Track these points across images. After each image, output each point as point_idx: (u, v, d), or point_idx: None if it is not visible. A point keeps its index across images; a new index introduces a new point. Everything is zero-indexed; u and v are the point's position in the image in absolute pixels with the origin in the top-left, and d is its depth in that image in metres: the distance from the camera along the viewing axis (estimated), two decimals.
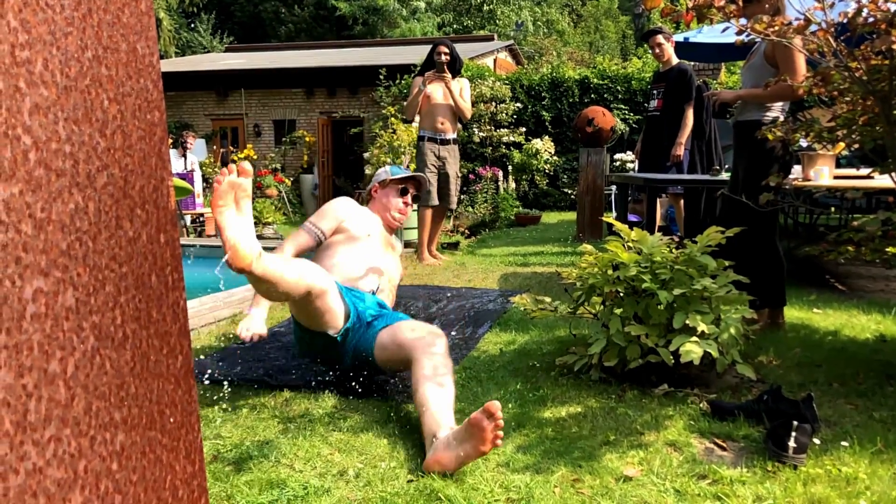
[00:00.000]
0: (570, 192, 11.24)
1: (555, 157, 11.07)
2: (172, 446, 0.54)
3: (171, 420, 0.53)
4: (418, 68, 10.45)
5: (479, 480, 1.91)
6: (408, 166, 7.58)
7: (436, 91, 5.83)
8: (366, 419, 2.35)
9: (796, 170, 5.02)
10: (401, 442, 2.16)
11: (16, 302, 0.40)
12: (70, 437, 0.44)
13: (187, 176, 8.72)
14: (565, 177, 11.51)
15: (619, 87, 11.47)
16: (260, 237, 9.03)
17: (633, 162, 10.21)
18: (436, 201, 5.91)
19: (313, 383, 2.69)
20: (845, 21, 2.32)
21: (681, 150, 5.64)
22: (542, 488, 1.86)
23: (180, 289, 0.54)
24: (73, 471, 0.45)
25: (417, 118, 6.08)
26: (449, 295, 4.33)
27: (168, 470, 0.54)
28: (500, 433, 1.89)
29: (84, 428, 0.46)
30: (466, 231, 8.09)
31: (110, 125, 0.48)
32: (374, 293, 2.80)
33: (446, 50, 5.86)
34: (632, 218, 6.81)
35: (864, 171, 5.23)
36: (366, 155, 8.92)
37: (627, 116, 11.18)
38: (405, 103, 6.04)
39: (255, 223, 9.08)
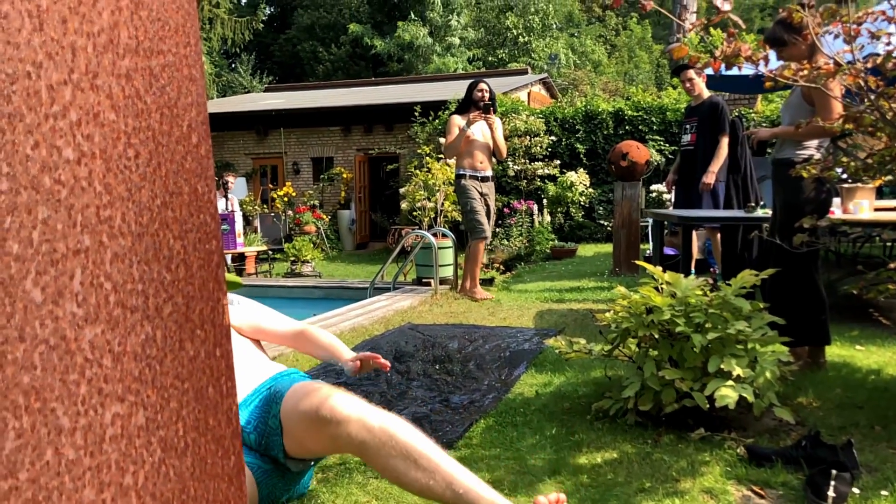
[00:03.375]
0: (606, 223, 11.21)
1: (590, 189, 11.09)
2: None
3: None
4: (454, 106, 10.53)
5: None
6: (442, 203, 7.66)
7: (475, 130, 5.91)
8: None
9: (836, 202, 4.98)
10: None
11: (98, 427, 0.47)
12: None
13: (228, 216, 8.93)
14: (601, 208, 11.50)
15: (653, 119, 11.48)
16: (299, 274, 9.19)
17: (668, 193, 10.18)
18: (488, 234, 5.97)
19: None
20: (873, 67, 2.34)
21: (711, 179, 5.62)
22: None
23: (233, 395, 0.60)
24: None
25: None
26: (484, 334, 4.36)
27: None
28: None
29: None
30: (501, 266, 8.12)
31: (175, 260, 0.55)
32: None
33: (486, 88, 5.96)
34: (668, 251, 6.77)
35: None
36: (402, 191, 9.05)
37: (663, 147, 11.16)
38: (444, 142, 6.09)
39: (295, 260, 9.26)
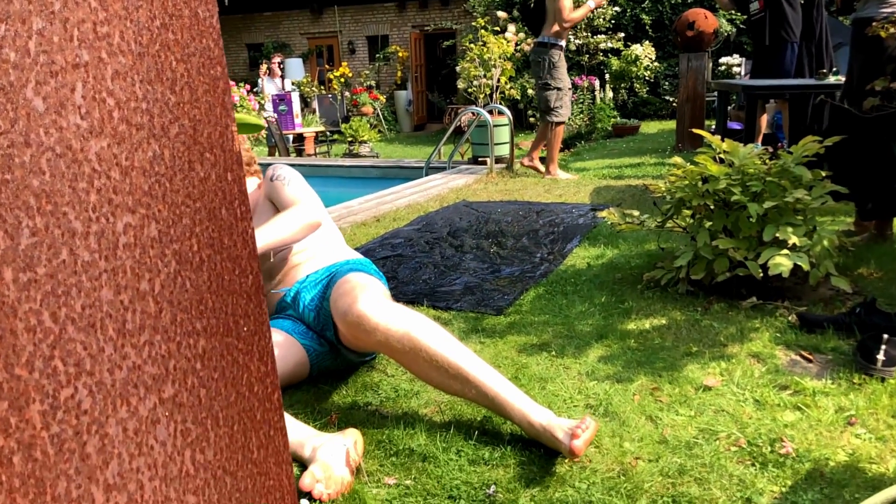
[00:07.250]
0: (671, 99, 10.77)
1: (655, 63, 10.59)
2: (247, 350, 0.65)
3: (245, 329, 0.63)
4: None
5: (560, 388, 2.00)
6: (498, 79, 7.46)
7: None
8: (452, 329, 2.47)
9: None
10: (487, 350, 2.27)
11: (111, 234, 0.50)
12: (160, 341, 0.55)
13: (286, 97, 8.95)
14: (667, 83, 11.02)
15: None
16: (357, 154, 9.25)
17: (739, 66, 9.64)
18: (567, 116, 5.74)
19: (402, 296, 2.84)
20: None
21: None
22: (621, 396, 1.93)
23: (247, 219, 0.62)
24: (164, 368, 0.56)
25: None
26: (538, 210, 4.36)
27: (244, 369, 0.65)
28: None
29: (171, 335, 0.57)
30: (560, 144, 7.96)
31: (179, 82, 0.56)
32: (286, 295, 2.16)
33: None
34: (733, 126, 6.51)
35: None
36: (458, 68, 8.84)
37: (734, 16, 10.47)
38: (568, 14, 5.51)
39: (353, 141, 9.29)
